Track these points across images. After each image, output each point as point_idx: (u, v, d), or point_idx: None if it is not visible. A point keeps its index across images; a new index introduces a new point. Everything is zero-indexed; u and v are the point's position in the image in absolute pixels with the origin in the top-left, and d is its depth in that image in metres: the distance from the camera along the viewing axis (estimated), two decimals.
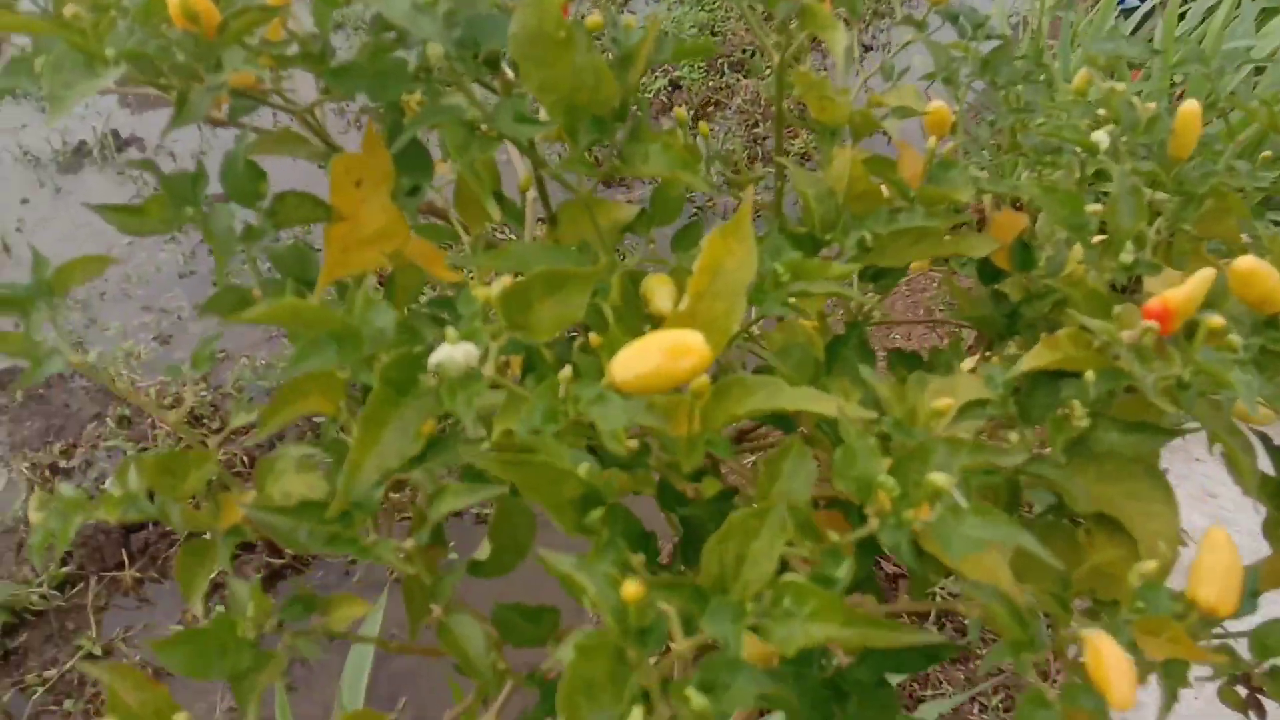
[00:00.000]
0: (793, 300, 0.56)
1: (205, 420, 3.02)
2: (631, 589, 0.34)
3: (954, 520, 0.39)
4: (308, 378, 0.56)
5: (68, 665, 2.51)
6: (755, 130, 4.28)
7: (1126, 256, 0.61)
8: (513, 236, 0.86)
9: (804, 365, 0.57)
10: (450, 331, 0.44)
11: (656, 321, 0.60)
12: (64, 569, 2.71)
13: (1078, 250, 0.73)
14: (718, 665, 0.34)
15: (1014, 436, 0.52)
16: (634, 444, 0.45)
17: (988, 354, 0.76)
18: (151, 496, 0.55)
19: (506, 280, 0.49)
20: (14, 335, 0.51)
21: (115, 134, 4.31)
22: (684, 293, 0.62)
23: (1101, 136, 0.68)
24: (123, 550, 2.77)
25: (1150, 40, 3.16)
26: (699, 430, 0.47)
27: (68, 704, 2.41)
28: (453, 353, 0.43)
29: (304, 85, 0.70)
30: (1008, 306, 0.73)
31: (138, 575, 2.73)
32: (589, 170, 0.61)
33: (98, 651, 2.55)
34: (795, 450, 0.45)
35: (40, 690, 2.45)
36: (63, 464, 3.00)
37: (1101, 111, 0.75)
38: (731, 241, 0.52)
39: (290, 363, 0.43)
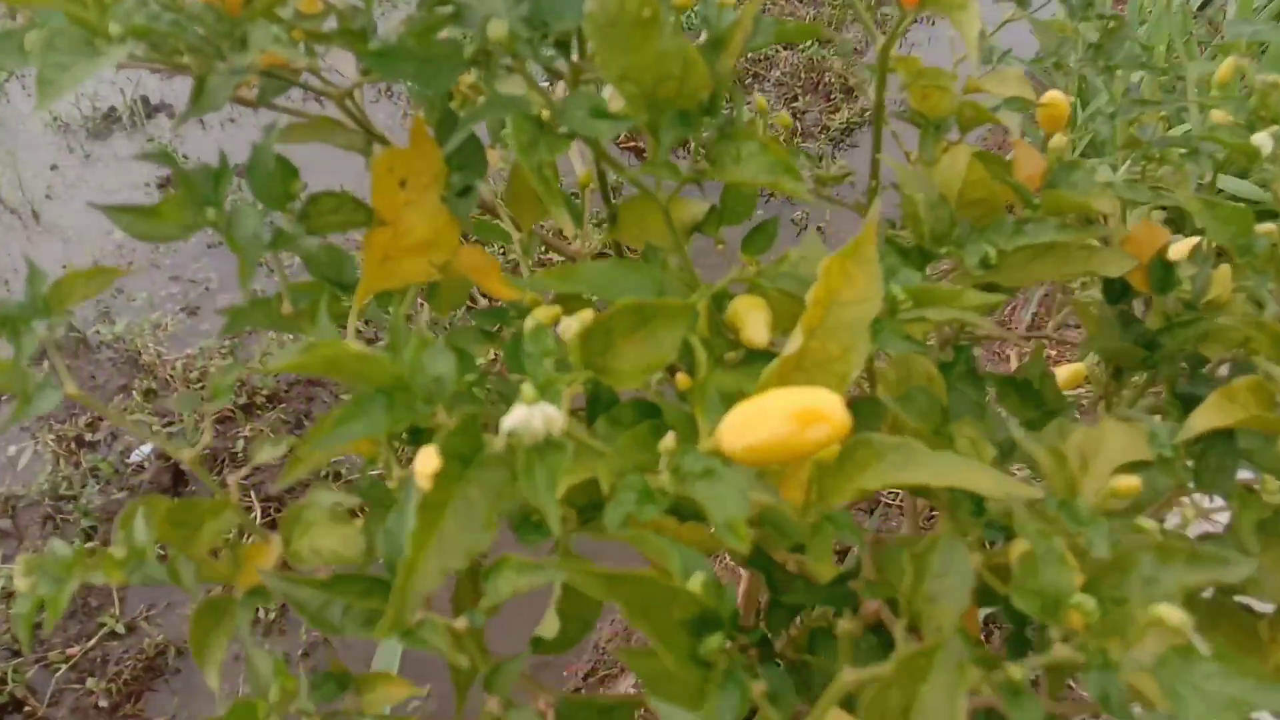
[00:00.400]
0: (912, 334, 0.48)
1: (235, 398, 2.96)
2: None
3: (1184, 667, 0.30)
4: (345, 411, 0.48)
5: (91, 643, 2.47)
6: (794, 104, 4.16)
7: None
8: (564, 237, 0.78)
9: (929, 413, 0.48)
10: (527, 389, 0.36)
11: (746, 355, 0.51)
12: (89, 543, 2.68)
13: (1225, 271, 0.64)
14: None
15: (1188, 511, 0.44)
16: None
17: (1113, 383, 0.66)
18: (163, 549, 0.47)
19: (586, 317, 0.40)
20: (2, 364, 0.43)
21: (145, 100, 4.25)
22: (774, 316, 0.53)
23: (1264, 140, 0.59)
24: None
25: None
26: (816, 504, 0.39)
27: (90, 682, 2.38)
28: (530, 416, 0.35)
29: (346, 63, 0.62)
30: (1139, 332, 0.63)
31: (160, 552, 2.69)
32: (672, 174, 0.52)
33: (120, 629, 2.51)
34: (946, 541, 0.36)
35: (64, 667, 2.42)
36: (89, 437, 2.96)
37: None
38: (851, 267, 0.43)
39: (331, 426, 0.35)
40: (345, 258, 0.64)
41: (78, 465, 2.88)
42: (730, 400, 0.45)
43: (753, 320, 0.50)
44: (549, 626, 0.47)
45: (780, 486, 0.40)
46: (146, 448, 2.92)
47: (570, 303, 0.70)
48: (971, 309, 0.47)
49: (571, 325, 0.40)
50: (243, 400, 2.94)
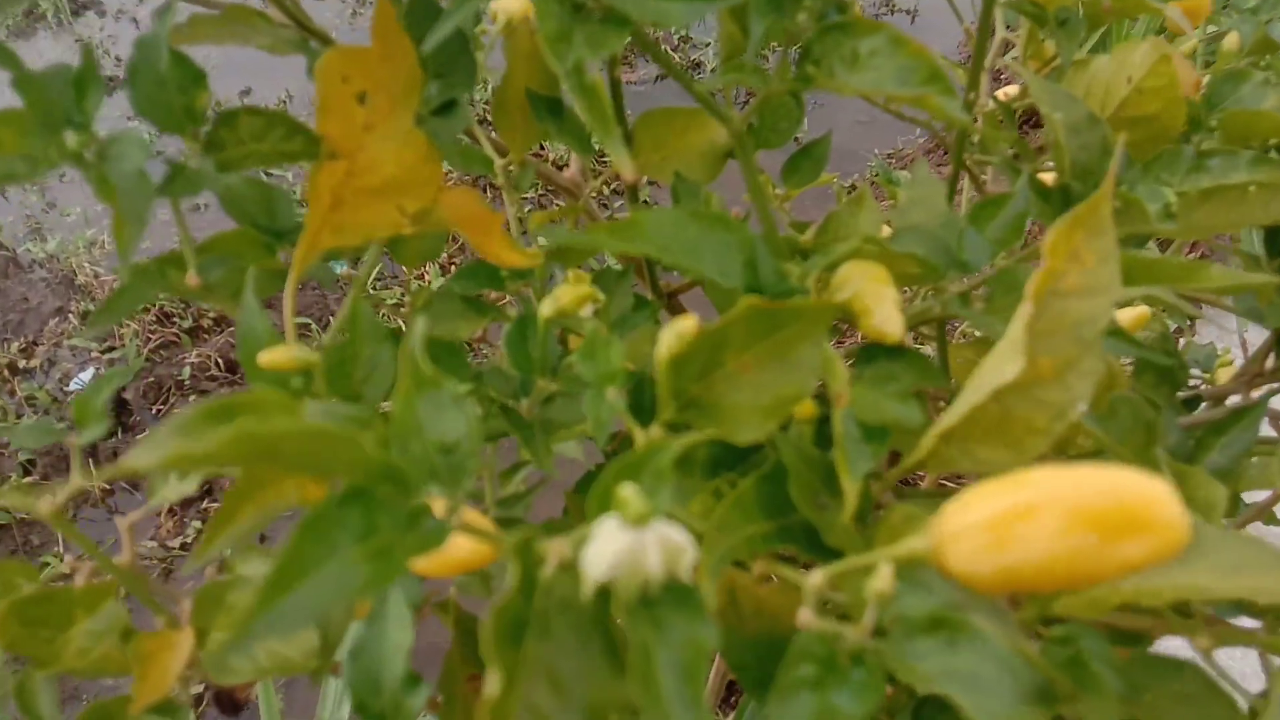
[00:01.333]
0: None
1: (176, 318, 2.76)
2: None
3: None
4: (287, 562, 0.32)
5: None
6: None
7: None
8: (559, 168, 0.61)
9: (1134, 432, 0.33)
10: (631, 498, 0.19)
11: (869, 352, 0.35)
12: (27, 478, 2.50)
13: None
14: None
15: None
16: None
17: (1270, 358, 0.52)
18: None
19: (686, 328, 0.24)
20: None
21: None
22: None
23: None
24: (90, 460, 2.56)
25: None
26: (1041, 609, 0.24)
27: None
28: (636, 546, 0.19)
29: None
30: None
31: (106, 487, 2.52)
32: (759, 81, 0.36)
33: (66, 569, 2.35)
34: None
35: None
36: (23, 364, 2.75)
37: None
38: (1080, 238, 0.28)
39: (260, 602, 0.18)
40: (279, 195, 0.47)
41: (13, 394, 2.68)
42: (876, 437, 0.29)
43: (882, 303, 0.34)
44: None
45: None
46: (86, 374, 2.72)
47: (570, 256, 0.54)
48: (1213, 286, 0.32)
49: (664, 341, 0.24)
50: (188, 324, 2.74)
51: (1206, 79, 0.53)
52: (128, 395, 2.67)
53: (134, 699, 0.33)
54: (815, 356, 0.25)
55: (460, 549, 0.29)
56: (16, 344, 2.80)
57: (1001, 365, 0.27)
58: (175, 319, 2.78)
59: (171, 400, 2.65)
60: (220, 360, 2.70)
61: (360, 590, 0.18)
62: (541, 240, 0.50)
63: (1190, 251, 2.23)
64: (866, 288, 0.36)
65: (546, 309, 0.35)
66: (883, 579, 0.21)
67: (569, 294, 0.35)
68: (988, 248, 0.38)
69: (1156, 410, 0.41)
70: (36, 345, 2.83)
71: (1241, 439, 0.43)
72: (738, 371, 0.25)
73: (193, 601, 0.33)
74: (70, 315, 2.86)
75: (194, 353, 2.70)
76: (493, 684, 0.19)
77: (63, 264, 2.95)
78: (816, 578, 0.22)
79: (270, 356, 0.31)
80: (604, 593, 0.19)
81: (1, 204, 3.11)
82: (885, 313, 0.34)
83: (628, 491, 0.19)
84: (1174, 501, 0.20)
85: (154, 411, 2.63)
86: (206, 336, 2.80)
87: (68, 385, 2.73)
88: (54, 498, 0.33)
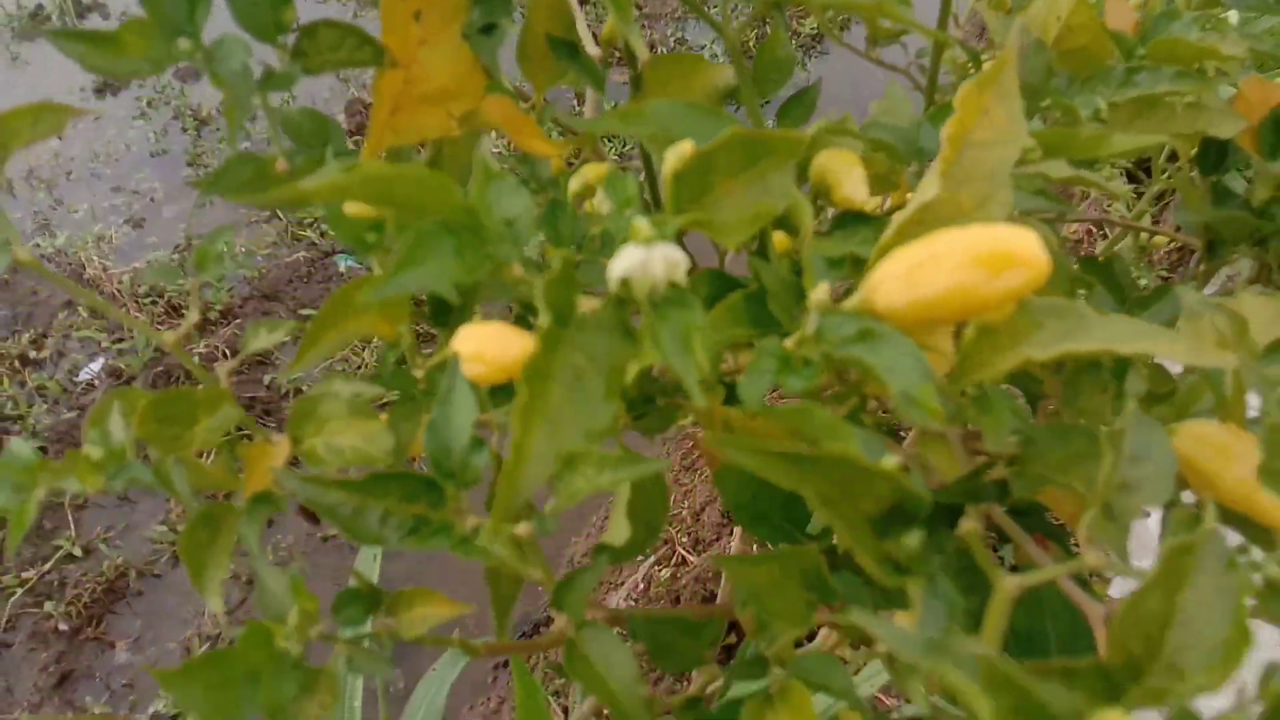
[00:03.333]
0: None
1: (184, 311, 2.83)
2: None
3: None
4: (409, 252, 0.39)
5: (47, 566, 2.38)
6: None
7: None
8: (580, 111, 0.68)
9: (1060, 284, 0.40)
10: (640, 224, 0.28)
11: (842, 220, 0.43)
12: None
13: None
14: None
15: None
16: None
17: (1201, 268, 0.60)
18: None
19: (684, 150, 0.32)
20: None
21: None
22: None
23: None
24: None
25: None
26: (962, 381, 0.32)
27: (48, 605, 2.29)
28: (647, 259, 0.27)
29: None
30: (1239, 206, 0.57)
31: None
32: None
33: (77, 552, 2.41)
34: (1138, 419, 0.29)
35: (20, 592, 2.32)
36: (33, 355, 2.81)
37: None
38: (990, 99, 0.35)
39: (392, 270, 0.26)
40: (331, 124, 0.54)
41: (23, 384, 2.74)
42: (836, 266, 0.37)
43: (849, 177, 0.42)
44: (617, 533, 0.40)
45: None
46: (96, 364, 2.78)
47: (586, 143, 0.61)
48: (1116, 151, 0.39)
49: (668, 160, 0.32)
50: (195, 317, 2.81)
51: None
52: (138, 384, 2.73)
53: (241, 493, 0.41)
54: (788, 184, 0.33)
55: (512, 350, 0.37)
56: (27, 336, 2.86)
57: (924, 191, 0.34)
58: (183, 311, 2.84)
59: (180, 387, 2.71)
60: (227, 350, 2.77)
61: (451, 278, 0.26)
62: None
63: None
64: (837, 166, 0.43)
65: (574, 184, 0.42)
66: (819, 292, 0.28)
67: (592, 172, 0.42)
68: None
69: (1090, 286, 0.49)
70: (46, 337, 2.89)
71: (1162, 313, 0.51)
72: (724, 195, 0.32)
73: (290, 413, 0.40)
74: (79, 308, 2.92)
75: (202, 344, 2.77)
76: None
77: (71, 258, 3.01)
78: (821, 294, 0.30)
79: (354, 209, 0.39)
80: (621, 301, 0.27)
81: (11, 201, 3.18)
82: (853, 183, 0.42)
83: (640, 222, 0.27)
84: (1039, 245, 0.28)
85: None
86: (214, 329, 2.87)
87: (77, 375, 2.79)
88: (176, 331, 0.40)
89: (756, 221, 0.32)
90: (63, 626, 2.30)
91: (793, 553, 0.34)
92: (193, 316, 0.40)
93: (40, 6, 3.93)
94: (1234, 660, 0.21)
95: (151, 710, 2.17)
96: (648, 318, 0.27)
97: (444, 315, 0.44)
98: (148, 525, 2.51)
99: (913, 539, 0.27)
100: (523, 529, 0.35)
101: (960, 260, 0.28)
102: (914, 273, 0.29)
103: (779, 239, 0.38)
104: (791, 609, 0.35)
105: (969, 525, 0.36)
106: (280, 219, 3.03)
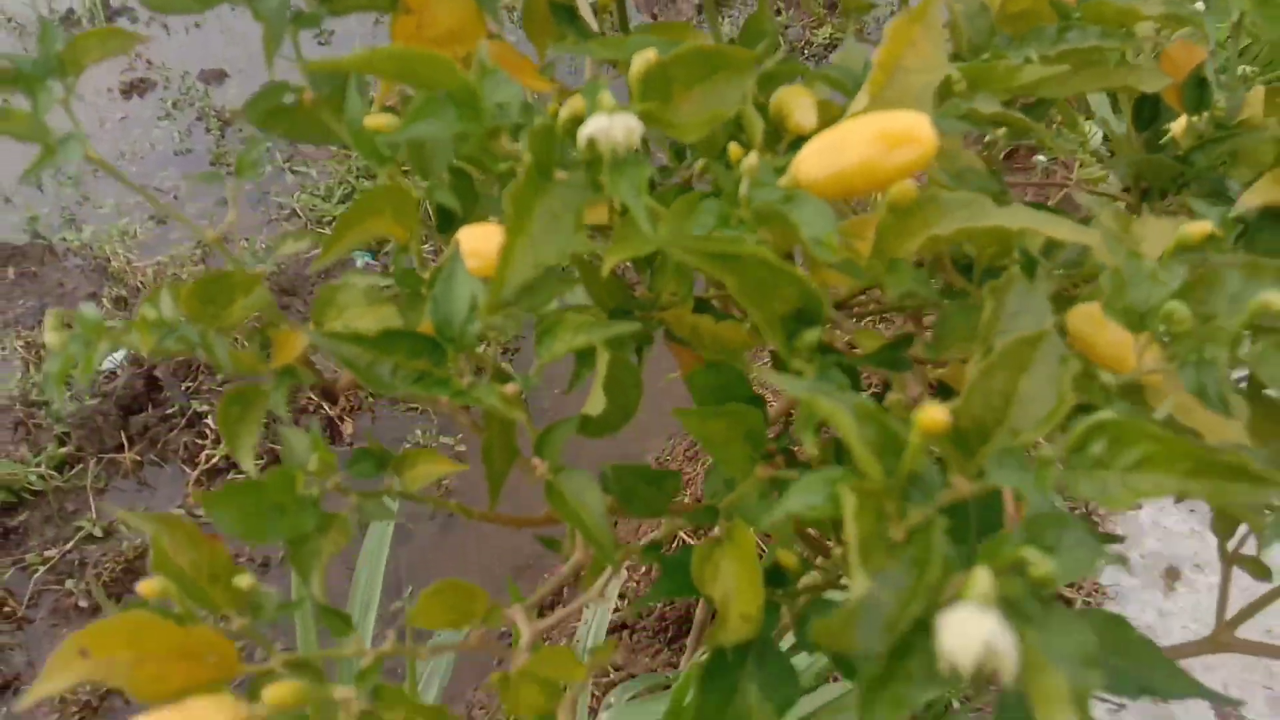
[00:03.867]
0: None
1: None
2: (934, 417, 0.25)
3: (1275, 353, 0.30)
4: (379, 194, 0.46)
5: (68, 546, 2.45)
6: (777, 19, 4.09)
7: None
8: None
9: (985, 192, 0.47)
10: (606, 97, 0.34)
11: (795, 143, 0.49)
12: (62, 449, 2.64)
13: (1258, 93, 0.63)
14: (1043, 522, 0.25)
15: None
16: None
17: (1140, 207, 0.66)
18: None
19: (649, 55, 0.38)
20: (19, 114, 0.41)
21: (105, 1, 4.09)
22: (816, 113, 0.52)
23: None
24: (121, 433, 2.70)
25: None
26: (884, 255, 0.38)
27: (69, 583, 2.37)
28: (610, 125, 0.33)
29: None
30: (1170, 156, 0.63)
31: (137, 458, 2.66)
32: None
33: (98, 533, 2.49)
34: (1021, 279, 0.35)
35: (41, 569, 2.40)
36: None
37: None
38: (918, 32, 0.42)
39: (405, 121, 0.33)
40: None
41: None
42: (781, 173, 0.43)
43: (800, 106, 0.48)
44: (594, 405, 0.46)
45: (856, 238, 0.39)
46: (119, 355, 2.86)
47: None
48: (1027, 85, 0.45)
49: (635, 65, 0.38)
50: None
51: None
52: (158, 373, 2.82)
53: (273, 362, 0.47)
54: (738, 93, 0.39)
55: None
56: None
57: (856, 104, 0.41)
58: None
59: (199, 378, 2.79)
60: (244, 343, 2.85)
61: (453, 130, 0.32)
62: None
63: None
64: (791, 99, 0.50)
65: (563, 113, 0.49)
66: (750, 158, 0.35)
67: (579, 103, 0.48)
68: None
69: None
70: (70, 328, 2.97)
71: None
72: (683, 100, 0.39)
73: (314, 301, 0.47)
74: (103, 300, 3.00)
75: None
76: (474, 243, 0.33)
77: (96, 252, 3.10)
78: (751, 160, 0.36)
79: (373, 121, 0.45)
80: (589, 164, 0.34)
81: (39, 196, 3.27)
82: (803, 111, 0.48)
83: (605, 95, 0.34)
84: (929, 127, 0.34)
85: (183, 388, 2.77)
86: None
87: (100, 365, 2.87)
88: (216, 229, 0.47)
89: (710, 122, 0.39)
90: (83, 604, 2.37)
91: (739, 410, 0.41)
92: (232, 216, 0.47)
93: (71, 10, 4.05)
94: (1054, 421, 0.27)
95: None
96: (610, 171, 0.34)
97: (448, 224, 0.50)
98: (166, 509, 2.58)
99: (812, 334, 0.33)
100: (510, 388, 0.42)
101: (865, 138, 0.34)
102: (828, 150, 0.35)
103: (734, 149, 0.44)
104: (737, 458, 0.41)
105: (894, 398, 0.43)
106: (300, 217, 3.12)
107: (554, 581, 0.49)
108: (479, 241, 0.45)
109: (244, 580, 0.38)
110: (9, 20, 4.03)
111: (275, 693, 0.32)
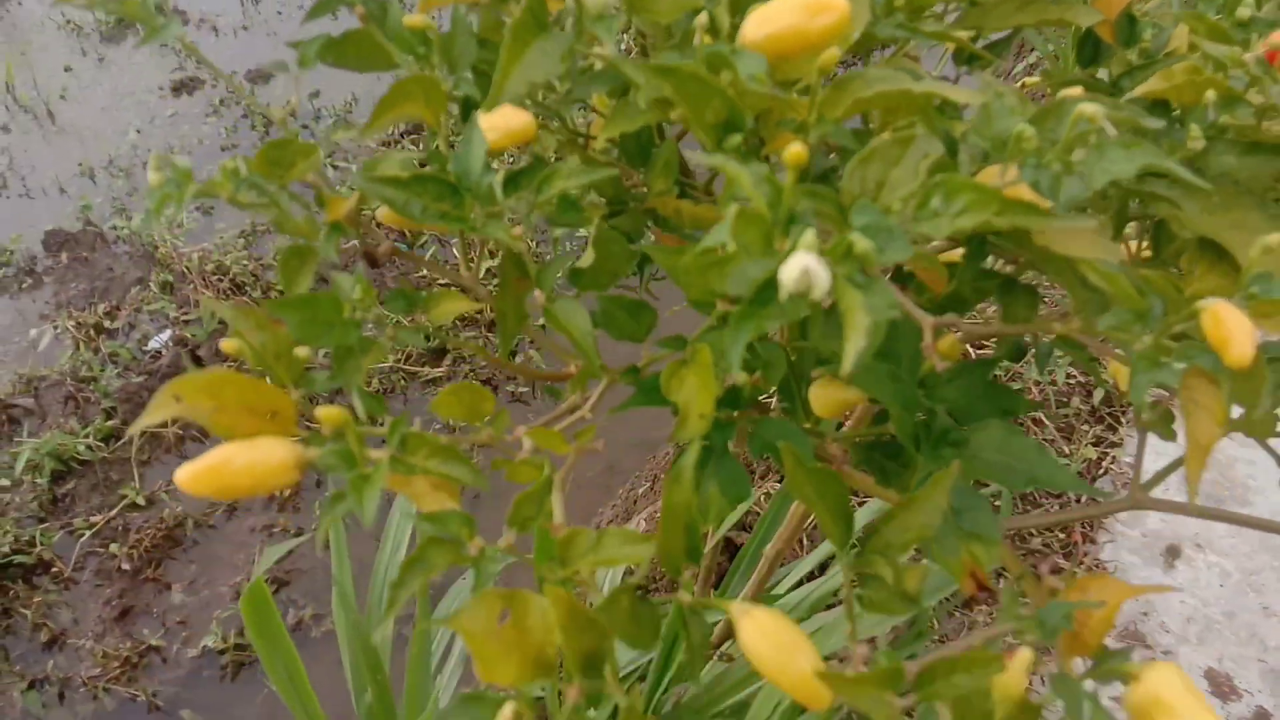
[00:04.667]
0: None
1: (247, 288, 3.05)
2: (796, 150, 0.34)
3: (1097, 155, 0.39)
4: (412, 81, 0.56)
5: (113, 512, 2.59)
6: None
7: (1244, 11, 0.60)
8: None
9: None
10: None
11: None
12: (109, 422, 2.77)
13: (1183, 29, 0.72)
14: (873, 229, 0.34)
15: None
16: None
17: None
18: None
19: None
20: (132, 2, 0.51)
21: (159, 7, 4.27)
22: None
23: None
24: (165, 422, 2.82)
25: None
26: (816, 119, 0.47)
27: (113, 547, 2.50)
28: None
29: None
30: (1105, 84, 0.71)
31: (179, 433, 2.79)
32: None
33: (141, 501, 2.62)
34: (925, 133, 0.44)
35: (87, 534, 2.53)
36: (107, 324, 3.04)
37: None
38: None
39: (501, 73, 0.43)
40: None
41: (97, 351, 2.97)
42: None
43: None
44: (586, 260, 0.55)
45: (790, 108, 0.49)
46: (165, 335, 3.01)
47: None
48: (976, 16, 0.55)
49: None
50: (257, 293, 3.03)
51: None
52: (202, 354, 2.95)
53: (324, 225, 0.57)
54: None
55: (515, 122, 0.53)
56: (102, 307, 3.09)
57: None
58: (246, 288, 3.06)
59: (239, 360, 2.92)
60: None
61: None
62: None
63: None
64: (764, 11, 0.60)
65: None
66: (701, 18, 0.45)
67: None
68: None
69: None
70: (119, 310, 3.12)
71: None
72: None
73: (358, 172, 0.57)
74: (150, 284, 3.15)
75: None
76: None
77: (144, 239, 3.24)
78: (703, 20, 0.46)
79: (410, 20, 0.55)
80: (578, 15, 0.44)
81: (91, 186, 3.43)
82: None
83: None
84: None
85: (225, 368, 2.90)
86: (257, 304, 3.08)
87: (146, 345, 3.01)
88: (282, 109, 0.57)
89: (682, 6, 0.49)
90: (125, 566, 2.50)
91: (703, 247, 0.50)
92: (294, 103, 0.57)
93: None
94: (911, 191, 0.36)
95: (203, 644, 2.36)
96: (594, 22, 0.43)
97: (470, 116, 0.60)
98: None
99: (735, 138, 0.42)
100: (517, 230, 0.52)
101: (792, 6, 0.44)
102: (765, 17, 0.45)
103: (700, 19, 0.54)
104: (699, 287, 0.50)
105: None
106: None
107: (551, 417, 0.58)
108: (495, 117, 0.55)
109: (302, 350, 0.48)
110: (68, 23, 4.22)
111: (326, 412, 0.42)
